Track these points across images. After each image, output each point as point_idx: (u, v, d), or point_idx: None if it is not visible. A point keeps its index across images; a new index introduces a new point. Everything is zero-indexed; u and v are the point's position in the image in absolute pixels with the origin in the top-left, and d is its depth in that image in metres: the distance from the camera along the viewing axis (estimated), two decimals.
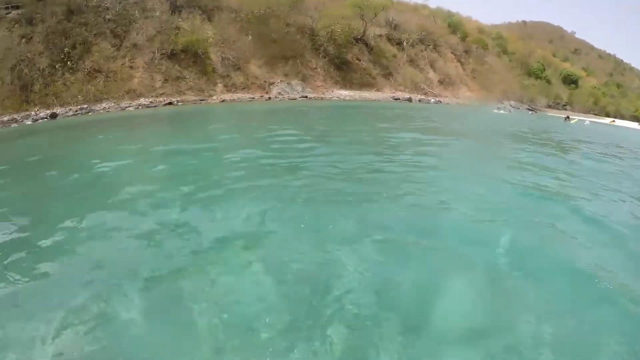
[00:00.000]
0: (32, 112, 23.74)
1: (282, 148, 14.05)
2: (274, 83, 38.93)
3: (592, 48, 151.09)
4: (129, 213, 7.97)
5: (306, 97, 40.48)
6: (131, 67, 29.44)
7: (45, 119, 23.26)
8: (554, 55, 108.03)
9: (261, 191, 9.32)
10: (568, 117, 61.36)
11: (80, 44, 27.38)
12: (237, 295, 5.33)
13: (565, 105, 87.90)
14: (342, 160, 12.37)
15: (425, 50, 62.96)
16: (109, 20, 30.27)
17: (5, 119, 22.61)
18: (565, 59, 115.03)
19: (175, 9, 35.16)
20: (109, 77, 27.76)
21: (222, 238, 6.86)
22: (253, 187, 9.53)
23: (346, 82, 47.41)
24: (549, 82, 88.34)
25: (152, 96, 28.67)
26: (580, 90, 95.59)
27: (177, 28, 33.98)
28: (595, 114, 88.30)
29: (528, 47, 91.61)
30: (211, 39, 35.82)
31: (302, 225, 7.45)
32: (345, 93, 45.57)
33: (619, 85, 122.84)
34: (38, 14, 27.34)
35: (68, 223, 7.49)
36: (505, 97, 73.15)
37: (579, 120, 61.40)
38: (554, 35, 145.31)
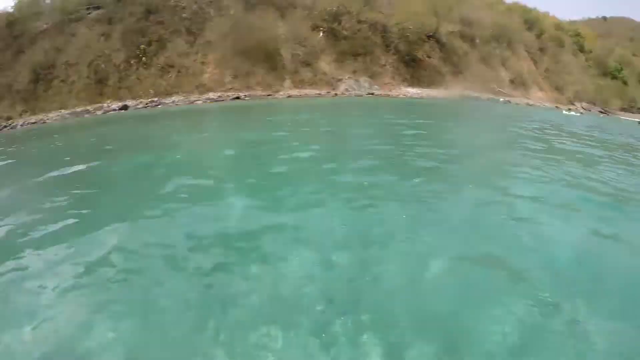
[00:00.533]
0: (105, 104, 25.17)
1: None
2: (341, 79, 39.07)
3: None
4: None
5: (372, 94, 40.39)
6: (203, 63, 30.38)
7: (115, 111, 24.75)
8: (634, 55, 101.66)
9: None
10: None
11: (155, 41, 28.59)
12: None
13: None
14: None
15: (498, 47, 61.34)
16: (184, 18, 31.34)
17: (79, 109, 24.17)
18: None
19: (249, 7, 35.83)
20: (181, 72, 28.78)
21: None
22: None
23: (414, 80, 46.90)
24: (625, 83, 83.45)
25: (220, 90, 29.47)
26: None
27: (250, 25, 34.60)
28: None
29: (606, 45, 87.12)
30: (283, 36, 36.24)
31: None
32: (412, 91, 45.10)
33: None
34: (117, 13, 28.77)
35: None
36: (577, 98, 70.17)
37: None
38: (636, 32, 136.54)
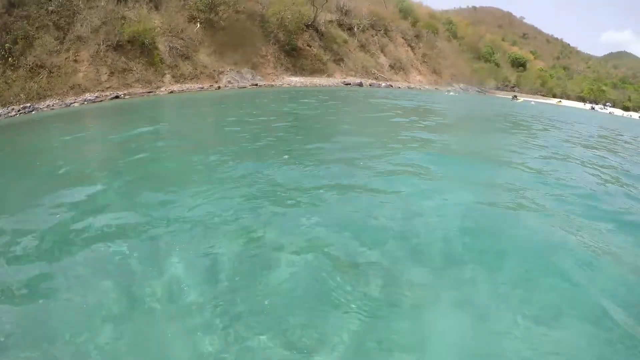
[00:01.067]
0: None
1: None
2: (223, 72, 38.75)
3: (540, 32, 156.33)
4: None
5: (256, 85, 40.58)
6: (75, 61, 28.70)
7: None
8: (503, 40, 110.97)
9: None
10: (515, 97, 71.14)
11: (21, 38, 26.59)
12: None
13: (513, 87, 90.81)
14: None
15: (376, 35, 63.70)
16: (51, 12, 29.39)
17: None
18: (514, 43, 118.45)
19: None
20: (53, 73, 26.99)
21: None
22: None
23: (297, 69, 47.67)
24: (497, 65, 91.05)
25: (98, 90, 27.97)
26: (528, 72, 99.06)
27: (123, 18, 32.97)
28: (543, 95, 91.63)
29: (477, 32, 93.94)
30: (158, 29, 35.09)
31: None
32: (295, 80, 45.89)
33: (565, 68, 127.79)
34: None
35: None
36: (455, 80, 75.11)
37: (525, 100, 67.32)
38: (504, 21, 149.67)
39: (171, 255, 5.67)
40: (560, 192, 9.81)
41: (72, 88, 27.25)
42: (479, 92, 76.73)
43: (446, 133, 18.60)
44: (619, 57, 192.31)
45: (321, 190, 8.51)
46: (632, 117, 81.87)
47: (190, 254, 5.74)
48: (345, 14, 59.64)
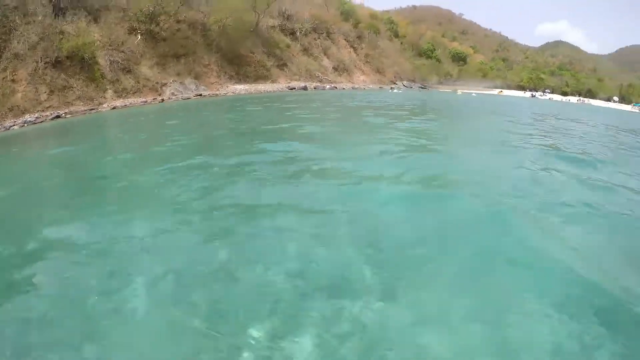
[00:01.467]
0: None
1: None
2: (166, 84, 38.55)
3: (478, 27, 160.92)
4: None
5: (200, 95, 40.63)
6: (13, 81, 28.05)
7: None
8: (443, 36, 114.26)
9: None
10: (456, 90, 76.39)
11: None
12: None
13: (455, 80, 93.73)
14: None
15: (319, 38, 64.55)
16: None
17: None
18: (454, 39, 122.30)
19: (58, 12, 33.70)
20: None
21: None
22: None
23: (240, 77, 47.95)
24: (439, 61, 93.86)
25: (37, 111, 27.34)
26: (469, 66, 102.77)
27: (62, 32, 32.29)
28: (485, 87, 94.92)
29: (418, 30, 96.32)
30: (98, 42, 34.53)
31: None
32: (240, 87, 46.17)
33: (504, 60, 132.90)
34: None
35: None
36: (398, 78, 76.85)
37: (464, 92, 70.89)
38: (443, 18, 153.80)
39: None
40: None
41: (10, 110, 26.54)
42: (422, 87, 78.93)
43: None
44: (556, 46, 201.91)
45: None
46: (570, 101, 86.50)
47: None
48: (288, 18, 60.23)
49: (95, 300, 4.99)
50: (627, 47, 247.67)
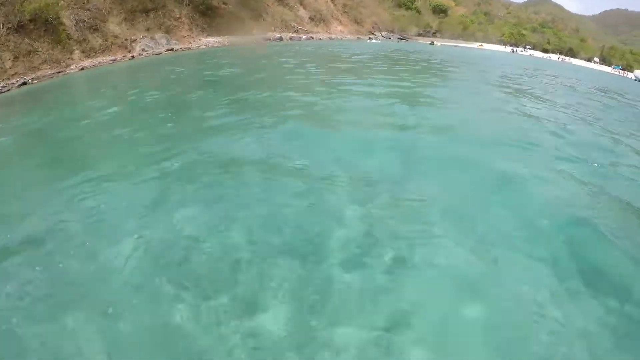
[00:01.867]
0: None
1: None
2: (136, 40, 37.89)
3: None
4: None
5: (172, 49, 40.07)
6: None
7: None
8: None
9: None
10: (432, 43, 76.26)
11: None
12: None
13: (435, 32, 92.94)
14: None
15: None
16: None
17: None
18: None
19: None
20: None
21: None
22: None
23: (213, 29, 47.19)
24: (419, 12, 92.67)
25: (3, 79, 26.58)
26: (450, 19, 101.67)
27: None
28: (465, 40, 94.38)
29: None
30: (62, 1, 33.45)
31: None
32: (213, 40, 45.57)
33: (486, 14, 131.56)
34: None
35: None
36: (376, 28, 76.10)
37: (442, 45, 71.09)
38: None
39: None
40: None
41: None
42: (400, 39, 78.20)
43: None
44: (540, 3, 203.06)
45: None
46: (551, 58, 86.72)
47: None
48: None
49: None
50: (612, 10, 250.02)
